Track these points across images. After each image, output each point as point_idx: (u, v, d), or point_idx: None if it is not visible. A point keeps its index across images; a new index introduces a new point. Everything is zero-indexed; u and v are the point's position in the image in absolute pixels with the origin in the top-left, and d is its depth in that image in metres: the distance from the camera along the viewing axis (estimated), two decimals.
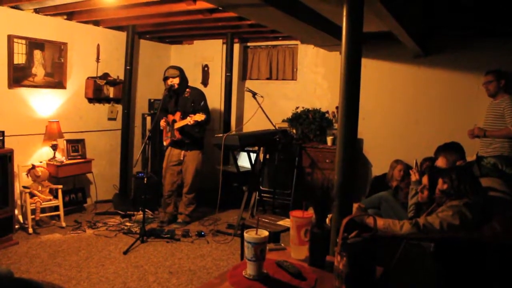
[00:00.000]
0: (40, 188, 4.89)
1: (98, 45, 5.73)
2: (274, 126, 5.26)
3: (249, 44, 6.59)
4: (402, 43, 4.69)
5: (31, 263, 3.91)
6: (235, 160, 5.36)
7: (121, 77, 5.98)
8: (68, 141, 5.36)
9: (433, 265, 2.14)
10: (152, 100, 6.52)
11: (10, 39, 4.69)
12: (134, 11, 4.80)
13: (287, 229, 3.17)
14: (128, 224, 5.08)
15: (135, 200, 5.56)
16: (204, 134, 5.19)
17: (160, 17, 5.04)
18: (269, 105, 5.59)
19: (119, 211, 5.44)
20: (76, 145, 5.44)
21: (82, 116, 5.69)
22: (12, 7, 4.68)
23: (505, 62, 4.58)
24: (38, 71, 5.03)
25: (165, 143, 5.19)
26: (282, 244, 2.05)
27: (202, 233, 4.80)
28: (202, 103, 5.06)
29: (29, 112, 5.03)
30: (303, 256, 1.89)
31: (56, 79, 5.25)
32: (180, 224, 5.10)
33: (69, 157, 5.30)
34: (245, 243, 1.66)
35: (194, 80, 6.52)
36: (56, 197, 4.98)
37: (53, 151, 5.16)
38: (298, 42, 6.10)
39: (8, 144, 4.47)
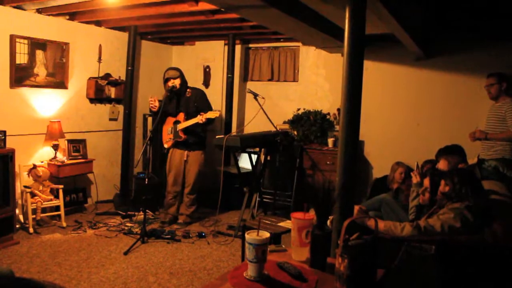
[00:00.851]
0: (41, 188, 4.89)
1: (100, 45, 5.74)
2: (275, 128, 5.26)
3: (250, 45, 6.59)
4: (403, 46, 4.69)
5: (32, 263, 3.91)
6: (236, 161, 5.36)
7: (123, 77, 5.99)
8: (69, 141, 5.36)
9: (434, 267, 2.14)
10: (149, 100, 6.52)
11: (12, 39, 4.70)
12: (136, 12, 4.80)
13: (288, 230, 3.17)
14: (128, 224, 5.08)
15: (136, 200, 5.56)
16: (206, 134, 5.20)
17: (162, 18, 5.05)
18: (270, 106, 5.60)
19: (120, 212, 5.44)
20: (77, 145, 5.44)
21: (84, 116, 5.69)
22: (14, 7, 4.69)
23: (507, 64, 4.58)
24: (40, 71, 5.04)
25: (166, 146, 5.16)
26: (283, 246, 2.05)
27: (203, 234, 4.80)
28: (207, 102, 5.07)
29: (31, 112, 5.04)
30: (304, 257, 1.89)
31: (57, 79, 5.26)
32: (181, 224, 5.09)
33: (70, 157, 5.30)
34: (246, 244, 1.67)
35: (196, 81, 6.52)
36: (57, 197, 4.98)
37: (54, 151, 5.16)
38: (299, 44, 6.11)
39: (10, 143, 4.48)
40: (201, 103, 5.03)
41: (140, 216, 4.98)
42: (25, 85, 4.91)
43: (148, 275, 3.76)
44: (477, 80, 4.83)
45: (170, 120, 5.10)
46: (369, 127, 5.40)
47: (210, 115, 4.71)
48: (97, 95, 5.72)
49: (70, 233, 4.76)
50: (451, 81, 5.16)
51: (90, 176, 5.73)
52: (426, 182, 3.16)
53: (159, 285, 3.59)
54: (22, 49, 4.81)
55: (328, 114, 5.92)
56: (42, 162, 5.09)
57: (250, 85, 6.40)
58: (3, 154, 4.32)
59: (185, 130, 4.94)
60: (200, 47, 6.87)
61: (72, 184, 5.52)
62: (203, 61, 6.80)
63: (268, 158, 5.35)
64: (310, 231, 1.85)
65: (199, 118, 4.73)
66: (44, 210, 4.90)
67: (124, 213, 5.37)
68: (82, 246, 4.38)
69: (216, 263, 4.10)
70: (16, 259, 3.99)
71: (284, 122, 6.04)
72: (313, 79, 6.10)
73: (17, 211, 4.63)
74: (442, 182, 2.81)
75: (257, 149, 5.34)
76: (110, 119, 6.07)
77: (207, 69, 6.78)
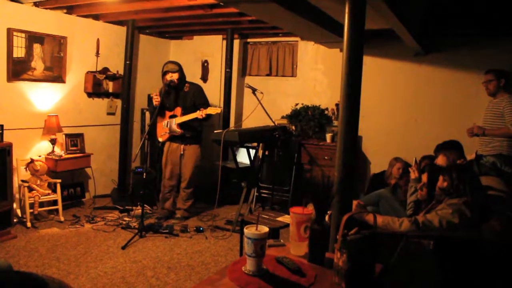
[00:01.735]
0: (38, 182, 4.88)
1: (98, 39, 5.72)
2: (274, 123, 5.26)
3: (249, 40, 6.57)
4: (402, 41, 4.68)
5: (30, 257, 3.91)
6: (234, 156, 5.35)
7: (121, 71, 5.97)
8: (67, 136, 5.35)
9: (432, 263, 2.15)
10: (151, 95, 6.51)
11: (10, 32, 4.67)
12: (134, 6, 4.78)
13: (286, 225, 3.18)
14: (126, 219, 5.08)
15: (134, 195, 5.56)
16: (202, 128, 5.19)
17: (161, 12, 5.02)
18: (269, 101, 5.59)
19: (118, 206, 5.44)
20: (75, 140, 5.43)
21: (81, 110, 5.68)
22: (11, 0, 4.66)
23: (505, 61, 4.57)
24: (38, 65, 5.02)
25: (161, 139, 5.14)
26: (282, 240, 2.06)
27: (201, 228, 4.80)
28: (204, 97, 5.06)
29: (28, 106, 5.02)
30: (303, 252, 1.89)
31: (55, 73, 5.24)
32: (179, 219, 5.10)
33: (68, 152, 5.29)
34: (245, 239, 1.67)
35: (194, 76, 6.51)
36: (54, 191, 4.97)
37: (52, 145, 5.15)
38: (298, 39, 6.09)
39: (7, 137, 4.46)
40: (199, 98, 5.02)
41: (138, 210, 4.98)
42: (22, 79, 4.89)
43: (146, 270, 3.76)
44: (476, 76, 4.83)
45: (167, 114, 5.09)
46: (367, 123, 5.40)
47: (210, 111, 4.70)
48: (95, 89, 5.70)
49: (68, 227, 4.76)
50: (449, 77, 5.16)
51: (88, 170, 5.73)
52: (424, 177, 3.16)
53: (157, 279, 3.59)
54: (19, 42, 4.79)
55: (326, 109, 5.92)
56: (39, 156, 5.07)
57: (248, 80, 6.40)
58: (1, 148, 4.30)
59: (182, 124, 4.93)
60: (198, 41, 6.85)
61: (70, 179, 5.51)
62: (201, 56, 6.78)
63: (266, 153, 5.35)
64: (308, 226, 1.85)
65: (199, 114, 4.72)
66: (41, 204, 4.89)
67: (122, 208, 5.37)
68: (80, 241, 4.38)
69: (214, 257, 4.11)
70: (14, 253, 3.99)
71: (282, 117, 6.04)
72: (312, 74, 6.10)
73: (14, 205, 4.62)
74: (441, 177, 2.82)
75: (255, 144, 5.34)
76: (108, 114, 6.06)
77: (205, 64, 6.76)
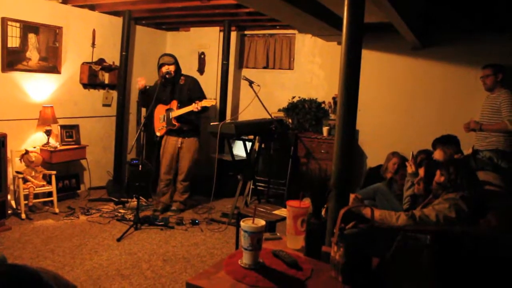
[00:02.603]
0: (33, 173, 4.85)
1: (94, 30, 5.66)
2: (270, 115, 5.24)
3: (246, 32, 6.53)
4: (400, 35, 4.66)
5: (24, 249, 3.89)
6: (231, 148, 5.34)
7: (117, 63, 5.92)
8: (62, 127, 5.31)
9: (429, 257, 2.15)
10: (147, 87, 6.47)
11: (4, 21, 4.61)
12: None
13: (283, 218, 3.17)
14: (121, 211, 5.06)
15: (129, 187, 5.54)
16: (200, 121, 5.17)
17: (157, 2, 4.98)
18: (265, 94, 5.57)
19: (113, 198, 5.42)
20: (70, 131, 5.39)
21: (77, 101, 5.63)
22: None
23: (503, 56, 4.57)
24: (33, 55, 4.97)
25: (159, 134, 5.11)
26: (278, 234, 2.05)
27: (196, 221, 4.79)
28: (200, 90, 5.03)
29: (23, 97, 4.97)
30: (299, 246, 1.89)
31: (50, 64, 5.19)
32: (175, 211, 5.09)
33: (63, 143, 5.26)
34: (242, 232, 1.66)
35: (190, 68, 6.47)
36: (49, 183, 4.94)
37: (47, 137, 5.11)
38: (295, 32, 6.06)
39: (1, 128, 4.43)
40: (195, 91, 4.99)
41: (133, 202, 4.96)
42: (17, 69, 4.83)
43: (142, 262, 3.75)
44: (473, 71, 4.83)
45: (163, 108, 5.06)
46: (364, 116, 5.37)
47: (205, 103, 4.68)
48: (91, 81, 5.66)
49: (63, 219, 4.74)
50: (447, 71, 5.15)
51: (83, 162, 5.69)
52: (421, 172, 3.16)
53: (152, 272, 3.58)
54: (14, 32, 4.73)
55: (323, 102, 5.91)
56: (34, 147, 5.04)
57: (245, 72, 6.36)
58: None
59: (179, 118, 4.90)
60: (195, 33, 6.80)
61: (65, 170, 5.48)
62: (198, 48, 6.74)
63: (263, 146, 5.34)
64: (305, 219, 1.84)
65: (194, 106, 4.69)
66: (36, 196, 4.86)
67: (117, 200, 5.35)
68: (75, 233, 4.36)
69: (210, 250, 4.10)
70: (8, 245, 3.96)
71: (279, 110, 6.02)
72: (309, 67, 6.08)
73: (9, 196, 4.59)
74: (438, 172, 2.82)
75: (252, 137, 5.33)
76: (104, 105, 6.01)
77: (202, 56, 6.72)
